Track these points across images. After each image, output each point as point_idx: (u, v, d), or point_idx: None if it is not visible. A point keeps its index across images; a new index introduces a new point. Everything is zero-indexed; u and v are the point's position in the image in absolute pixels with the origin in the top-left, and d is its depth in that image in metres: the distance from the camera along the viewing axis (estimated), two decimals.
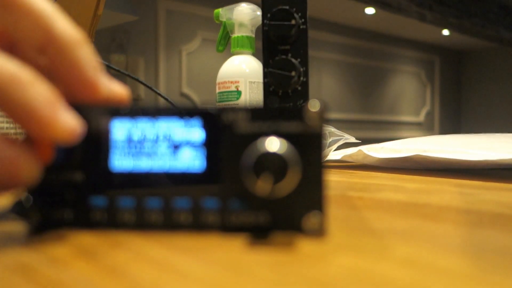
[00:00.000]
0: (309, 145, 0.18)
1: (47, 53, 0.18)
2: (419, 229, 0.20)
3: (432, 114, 4.77)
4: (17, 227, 0.20)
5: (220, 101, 0.59)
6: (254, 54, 0.61)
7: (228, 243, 0.17)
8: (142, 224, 0.19)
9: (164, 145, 0.19)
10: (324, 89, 4.04)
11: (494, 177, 0.41)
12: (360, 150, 0.54)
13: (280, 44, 0.41)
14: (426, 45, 4.49)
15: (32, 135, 0.17)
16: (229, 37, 0.62)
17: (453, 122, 4.84)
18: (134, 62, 2.94)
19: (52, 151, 0.18)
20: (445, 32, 3.65)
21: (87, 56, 0.19)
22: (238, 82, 0.59)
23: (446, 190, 0.33)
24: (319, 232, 0.18)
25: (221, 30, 0.62)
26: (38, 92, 0.16)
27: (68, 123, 0.17)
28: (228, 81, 0.59)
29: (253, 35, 0.61)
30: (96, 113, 0.19)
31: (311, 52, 0.43)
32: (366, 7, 2.65)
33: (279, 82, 0.40)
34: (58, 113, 0.17)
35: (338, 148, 0.60)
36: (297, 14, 0.40)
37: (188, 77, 3.17)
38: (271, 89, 0.41)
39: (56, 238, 0.18)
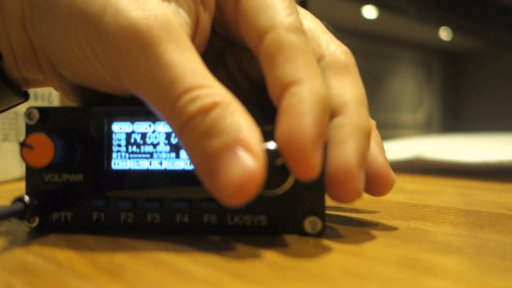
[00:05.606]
0: None
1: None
2: (418, 230, 0.20)
3: (431, 115, 4.77)
4: (17, 228, 0.20)
5: None
6: None
7: (228, 244, 0.17)
8: (141, 225, 0.19)
9: (163, 146, 0.19)
10: None
11: (493, 178, 0.41)
12: None
13: None
14: (425, 46, 4.50)
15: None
16: None
17: (452, 123, 4.85)
18: None
19: None
20: (444, 33, 3.65)
21: None
22: None
23: (446, 191, 0.34)
24: (318, 233, 0.18)
25: None
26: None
27: (318, 164, 0.16)
28: None
29: None
30: (96, 114, 0.19)
31: None
32: (364, 5, 2.64)
33: None
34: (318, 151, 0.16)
35: None
36: None
37: None
38: None
39: (56, 239, 0.18)
